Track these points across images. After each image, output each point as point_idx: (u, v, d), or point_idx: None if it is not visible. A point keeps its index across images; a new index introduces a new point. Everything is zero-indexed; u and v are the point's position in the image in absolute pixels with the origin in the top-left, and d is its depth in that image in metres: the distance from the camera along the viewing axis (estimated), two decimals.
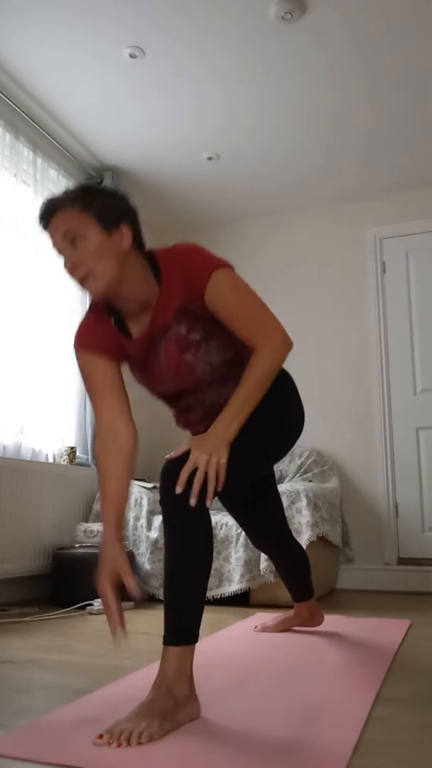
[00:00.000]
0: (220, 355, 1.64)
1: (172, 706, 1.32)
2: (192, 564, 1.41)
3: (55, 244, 1.51)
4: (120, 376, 1.69)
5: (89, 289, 1.49)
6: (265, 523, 2.09)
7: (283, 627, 2.39)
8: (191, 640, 1.39)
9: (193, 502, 1.40)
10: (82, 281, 1.49)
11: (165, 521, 1.44)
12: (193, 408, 1.75)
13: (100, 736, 1.22)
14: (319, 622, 2.40)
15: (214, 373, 1.65)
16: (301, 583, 2.24)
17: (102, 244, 1.47)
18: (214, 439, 1.45)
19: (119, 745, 1.20)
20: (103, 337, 1.64)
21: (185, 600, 1.39)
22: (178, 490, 1.40)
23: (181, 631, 1.38)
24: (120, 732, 1.23)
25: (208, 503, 1.43)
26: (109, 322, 1.65)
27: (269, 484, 2.11)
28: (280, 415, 1.69)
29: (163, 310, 1.56)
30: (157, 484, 3.68)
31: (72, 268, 1.49)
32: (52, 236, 1.50)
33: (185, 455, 1.44)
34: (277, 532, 2.12)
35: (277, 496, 2.12)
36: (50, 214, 1.50)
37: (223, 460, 1.43)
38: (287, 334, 1.54)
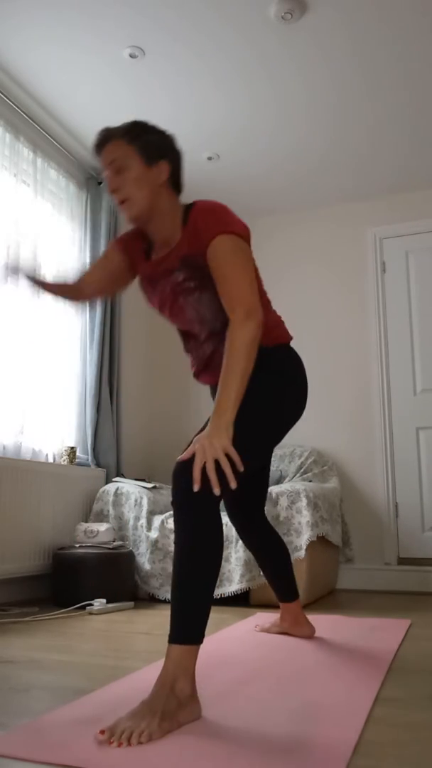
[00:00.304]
0: (212, 309, 1.72)
1: (174, 706, 1.33)
2: (204, 564, 1.43)
3: (103, 169, 1.70)
4: (119, 271, 1.87)
5: (125, 212, 1.68)
6: (256, 513, 2.13)
7: (277, 630, 2.36)
8: (196, 640, 1.40)
9: (216, 491, 1.43)
10: (120, 204, 1.68)
11: (179, 521, 1.46)
12: (195, 354, 1.85)
13: (102, 732, 1.24)
14: (308, 632, 2.27)
15: (205, 323, 1.74)
16: (286, 577, 2.22)
17: (141, 174, 1.65)
18: (212, 428, 1.49)
19: (120, 745, 1.21)
20: (131, 243, 1.84)
21: (194, 599, 1.41)
22: (196, 487, 1.43)
23: (188, 631, 1.40)
24: (121, 731, 1.24)
25: (232, 485, 1.46)
26: (140, 240, 1.84)
27: (265, 472, 2.16)
28: (279, 396, 1.72)
29: (175, 254, 1.69)
30: (157, 485, 3.68)
31: (113, 192, 1.68)
32: (102, 162, 1.69)
33: (193, 455, 1.48)
34: (264, 520, 2.16)
35: (267, 484, 2.16)
36: (102, 143, 1.69)
37: (225, 442, 1.47)
38: (254, 310, 1.57)
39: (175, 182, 1.73)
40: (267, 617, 2.72)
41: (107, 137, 1.68)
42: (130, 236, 1.85)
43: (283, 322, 1.86)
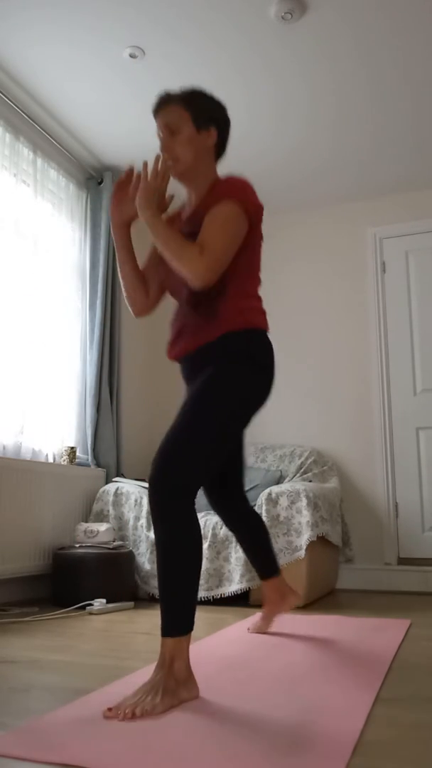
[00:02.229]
0: None
1: (173, 684, 1.47)
2: (188, 558, 1.54)
3: (158, 128, 1.82)
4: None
5: (173, 169, 1.81)
6: (236, 490, 2.13)
7: (270, 619, 2.34)
8: (186, 631, 1.52)
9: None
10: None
11: (162, 518, 1.55)
12: (176, 321, 1.89)
13: (110, 709, 1.36)
14: (294, 601, 2.31)
15: (183, 283, 1.83)
16: (268, 552, 2.23)
17: (191, 137, 1.80)
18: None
19: (125, 717, 1.34)
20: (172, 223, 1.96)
21: (181, 594, 1.53)
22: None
23: (179, 624, 1.52)
24: (126, 706, 1.37)
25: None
26: (178, 219, 1.96)
27: (241, 451, 2.16)
28: (249, 385, 1.75)
29: (197, 213, 1.80)
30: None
31: (164, 151, 1.81)
32: (158, 124, 1.82)
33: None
34: (244, 498, 2.16)
35: (243, 463, 2.16)
36: (161, 106, 1.82)
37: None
38: (212, 261, 1.66)
39: (220, 148, 1.88)
40: None
41: (166, 101, 1.82)
42: (170, 219, 1.96)
43: (264, 312, 1.86)
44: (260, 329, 1.81)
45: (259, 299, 1.85)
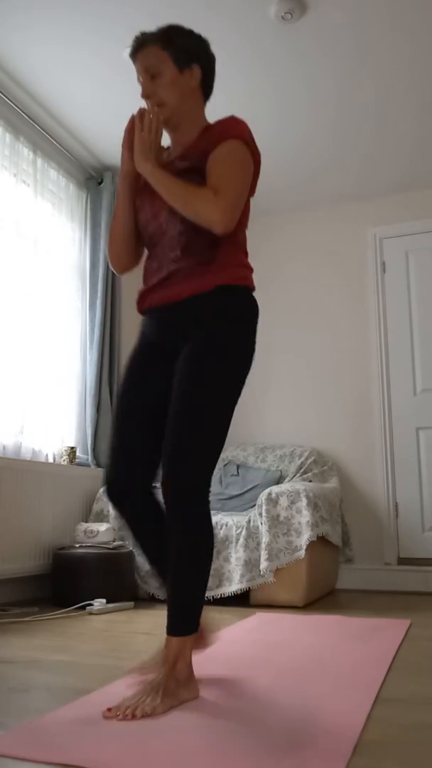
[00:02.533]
0: (183, 224, 1.63)
1: (174, 685, 1.45)
2: (206, 559, 1.54)
3: (137, 74, 1.71)
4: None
5: (157, 116, 1.68)
6: (148, 481, 1.77)
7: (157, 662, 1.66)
8: (191, 631, 1.52)
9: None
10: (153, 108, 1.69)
11: (179, 526, 1.54)
12: (155, 262, 1.70)
13: (110, 710, 1.36)
14: (208, 645, 1.77)
15: (176, 228, 1.64)
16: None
17: (174, 79, 1.68)
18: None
19: (125, 717, 1.34)
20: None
21: (194, 594, 1.52)
22: None
23: (187, 623, 1.51)
24: (126, 707, 1.36)
25: None
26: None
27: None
28: (246, 348, 1.64)
29: (188, 151, 1.69)
30: (158, 486, 3.68)
31: (146, 96, 1.70)
32: (137, 68, 1.70)
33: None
34: (156, 500, 1.76)
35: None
36: (137, 49, 1.70)
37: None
38: (227, 205, 1.55)
39: (206, 87, 1.76)
40: (267, 617, 2.72)
41: (142, 43, 1.69)
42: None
43: (251, 270, 1.72)
44: (249, 287, 1.69)
45: (243, 251, 1.71)
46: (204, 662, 1.90)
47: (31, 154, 3.46)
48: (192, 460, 1.52)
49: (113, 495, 1.67)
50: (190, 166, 1.65)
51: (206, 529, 1.54)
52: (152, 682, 1.45)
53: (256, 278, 4.48)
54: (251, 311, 1.66)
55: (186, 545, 1.51)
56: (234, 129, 1.63)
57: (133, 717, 1.35)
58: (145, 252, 1.80)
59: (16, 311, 3.23)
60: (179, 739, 1.25)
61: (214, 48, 2.95)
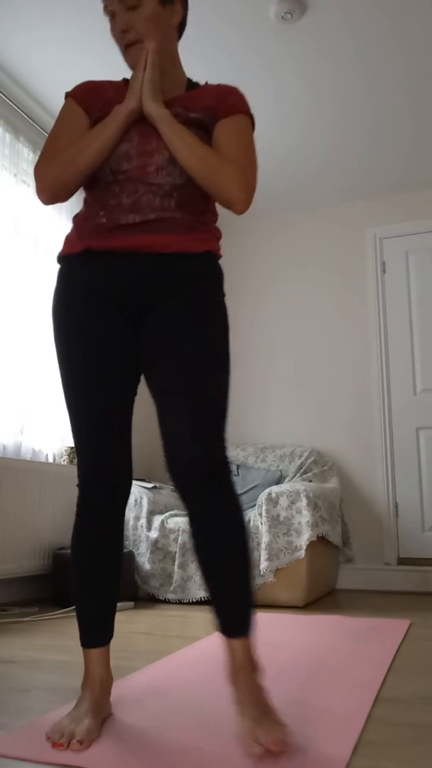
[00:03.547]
0: (182, 179, 1.45)
1: (269, 706, 1.28)
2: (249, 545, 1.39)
3: (107, 6, 1.48)
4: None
5: (131, 56, 1.48)
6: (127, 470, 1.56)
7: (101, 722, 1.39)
8: (252, 627, 1.33)
9: None
10: (128, 46, 1.48)
11: (232, 513, 1.37)
12: (126, 197, 1.44)
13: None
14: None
15: (173, 180, 1.45)
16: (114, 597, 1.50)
17: (156, 12, 1.48)
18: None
19: (268, 753, 1.17)
20: (99, 92, 1.54)
21: (242, 583, 1.34)
22: None
23: (245, 619, 1.32)
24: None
25: None
26: (105, 90, 1.55)
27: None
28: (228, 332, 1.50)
29: (194, 100, 1.51)
30: (157, 484, 3.68)
31: (123, 32, 1.47)
32: None
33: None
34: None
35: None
36: None
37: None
38: (249, 193, 1.42)
39: (180, 33, 1.58)
40: (267, 617, 2.72)
41: None
42: (88, 89, 1.54)
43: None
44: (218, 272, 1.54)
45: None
46: (204, 662, 1.90)
47: (31, 154, 3.46)
48: (219, 432, 1.38)
49: (99, 480, 1.42)
50: (199, 120, 1.49)
51: (241, 505, 1.39)
52: (252, 698, 1.25)
53: (257, 278, 4.51)
54: (223, 282, 1.54)
55: (233, 527, 1.34)
56: (245, 104, 1.52)
57: (279, 751, 1.16)
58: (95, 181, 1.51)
59: (15, 311, 3.23)
60: (179, 739, 1.25)
61: (214, 48, 2.97)
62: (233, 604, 1.31)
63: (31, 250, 3.39)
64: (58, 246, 3.66)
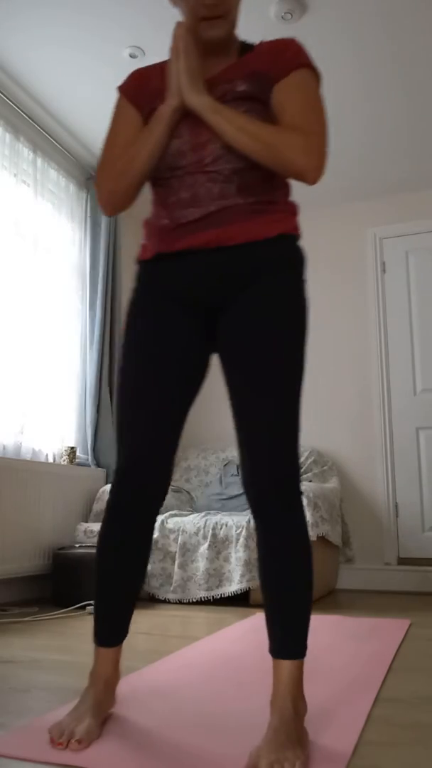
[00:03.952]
0: (243, 162, 1.36)
1: (301, 726, 1.23)
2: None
3: None
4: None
5: (214, 29, 1.38)
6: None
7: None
8: (305, 651, 1.29)
9: None
10: (210, 19, 1.37)
11: (299, 525, 1.39)
12: (185, 192, 1.38)
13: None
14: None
15: (230, 166, 1.36)
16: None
17: None
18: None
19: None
20: (144, 84, 1.48)
21: (299, 605, 1.30)
22: None
23: (298, 642, 1.28)
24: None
25: None
26: (152, 79, 1.48)
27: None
28: (306, 310, 1.42)
29: (239, 67, 1.41)
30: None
31: (213, 4, 1.35)
32: None
33: None
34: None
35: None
36: None
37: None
38: (321, 159, 1.31)
39: None
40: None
41: None
42: (135, 82, 1.48)
43: None
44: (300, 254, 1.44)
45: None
46: (204, 662, 1.89)
47: (31, 154, 3.46)
48: (293, 454, 1.31)
49: (134, 481, 1.36)
50: (248, 93, 1.37)
51: (307, 526, 1.37)
52: (287, 731, 1.17)
53: None
54: (305, 267, 1.44)
55: (298, 549, 1.32)
56: (304, 56, 1.38)
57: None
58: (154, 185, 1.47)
59: (15, 311, 3.23)
60: (179, 740, 1.25)
61: None
62: (292, 626, 1.27)
63: (31, 250, 3.39)
64: (58, 246, 3.67)
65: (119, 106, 1.48)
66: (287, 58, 1.37)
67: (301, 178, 1.31)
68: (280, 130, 1.31)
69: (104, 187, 1.42)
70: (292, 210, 1.42)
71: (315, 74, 1.39)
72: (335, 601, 3.36)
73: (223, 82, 1.40)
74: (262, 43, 1.44)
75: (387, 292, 4.18)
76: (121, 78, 3.17)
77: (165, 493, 1.41)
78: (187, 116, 1.39)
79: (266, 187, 1.38)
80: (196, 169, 1.37)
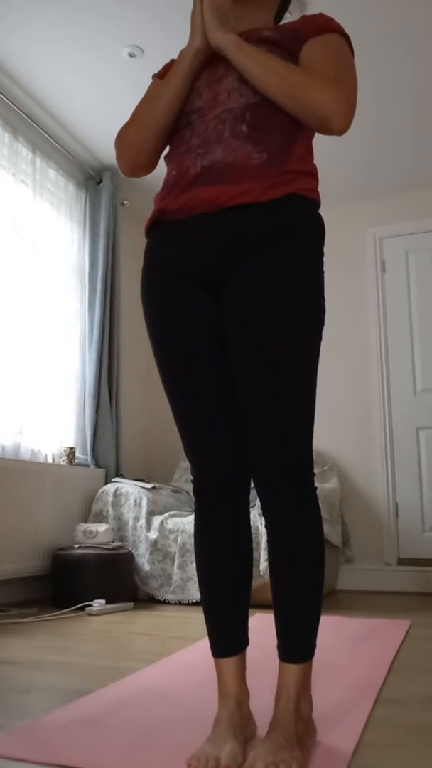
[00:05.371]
0: (257, 97, 1.27)
1: (302, 728, 1.20)
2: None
3: None
4: None
5: None
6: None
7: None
8: (313, 653, 1.24)
9: None
10: None
11: (311, 522, 1.25)
12: (195, 139, 1.29)
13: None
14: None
15: (244, 99, 1.27)
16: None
17: None
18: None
19: None
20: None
21: (309, 607, 1.24)
22: None
23: (305, 645, 1.23)
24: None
25: None
26: None
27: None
28: (321, 283, 1.27)
29: (260, 29, 1.36)
30: (157, 485, 3.68)
31: None
32: None
33: None
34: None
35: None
36: None
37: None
38: (351, 107, 1.21)
39: None
40: (267, 617, 2.72)
41: None
42: (170, 64, 1.47)
43: None
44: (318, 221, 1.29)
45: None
46: (203, 663, 1.89)
47: (30, 153, 3.46)
48: (303, 446, 1.21)
49: (211, 484, 1.27)
50: (274, 39, 1.30)
51: (321, 522, 1.26)
52: (284, 731, 1.14)
53: None
54: (324, 236, 1.29)
55: (309, 547, 1.23)
56: (337, 24, 1.32)
57: None
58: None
59: (15, 311, 3.23)
60: (178, 740, 1.25)
61: None
62: (291, 627, 1.22)
63: (30, 250, 3.38)
64: (57, 246, 3.66)
65: (150, 85, 1.43)
66: (320, 22, 1.32)
67: (326, 125, 1.20)
68: (308, 72, 1.23)
69: (125, 140, 1.34)
70: (308, 170, 1.27)
71: (348, 42, 1.33)
72: (335, 601, 3.36)
73: (252, 31, 1.35)
74: (302, 17, 1.37)
75: (387, 292, 4.17)
76: (120, 77, 3.17)
77: (247, 475, 1.30)
78: (208, 63, 1.32)
79: (281, 137, 1.25)
80: (210, 107, 1.28)
